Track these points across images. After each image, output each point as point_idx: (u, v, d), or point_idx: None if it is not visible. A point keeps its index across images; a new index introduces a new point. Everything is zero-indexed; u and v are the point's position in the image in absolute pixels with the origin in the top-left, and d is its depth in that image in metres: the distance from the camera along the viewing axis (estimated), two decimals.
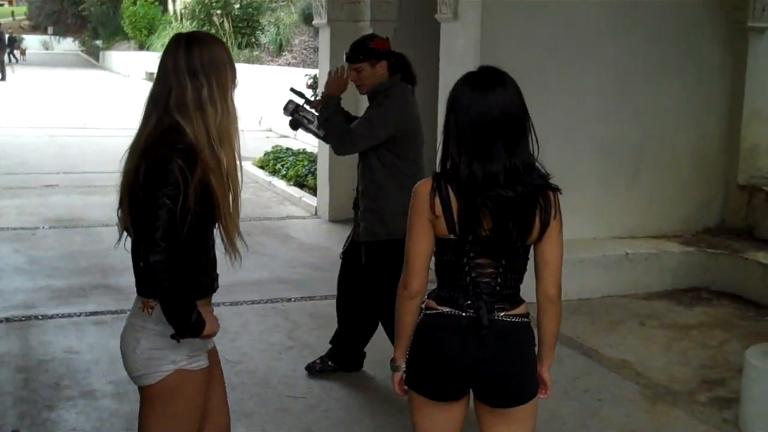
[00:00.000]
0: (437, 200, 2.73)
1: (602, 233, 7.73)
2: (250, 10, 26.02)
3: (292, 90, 5.43)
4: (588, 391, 5.28)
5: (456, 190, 2.72)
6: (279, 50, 23.28)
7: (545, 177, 2.81)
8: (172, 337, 2.78)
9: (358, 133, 4.93)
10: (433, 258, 2.86)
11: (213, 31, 24.25)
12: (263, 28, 25.10)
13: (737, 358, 5.18)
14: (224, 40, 23.96)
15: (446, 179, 2.75)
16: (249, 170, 13.80)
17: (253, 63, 22.77)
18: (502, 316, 2.79)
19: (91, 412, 4.84)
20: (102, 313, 6.44)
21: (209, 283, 2.97)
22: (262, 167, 12.68)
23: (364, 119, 4.96)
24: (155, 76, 2.90)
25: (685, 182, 8.17)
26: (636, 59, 7.78)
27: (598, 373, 5.58)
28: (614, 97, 7.74)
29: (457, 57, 7.55)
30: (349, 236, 5.27)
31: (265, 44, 24.47)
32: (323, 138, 5.17)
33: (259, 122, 19.26)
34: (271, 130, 18.80)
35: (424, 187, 2.78)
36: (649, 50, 7.83)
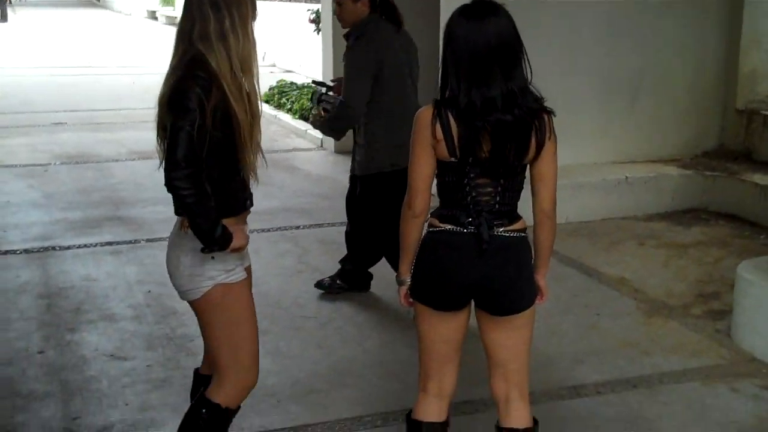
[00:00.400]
0: (438, 126, 2.89)
1: (602, 158, 7.90)
2: None
3: (314, 82, 5.84)
4: (587, 306, 5.50)
5: (456, 115, 2.88)
6: None
7: (540, 100, 2.97)
8: (201, 250, 2.96)
9: (348, 96, 5.06)
10: (435, 179, 3.04)
11: None
12: None
13: (732, 273, 5.38)
14: None
15: (446, 106, 2.90)
16: None
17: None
18: (501, 232, 2.97)
19: (113, 333, 5.07)
20: (117, 243, 6.63)
21: (240, 202, 3.12)
22: (267, 101, 12.79)
23: (345, 79, 5.10)
24: (182, 10, 3.04)
25: (684, 107, 8.31)
26: None
27: (598, 290, 5.80)
28: (612, 26, 7.85)
29: None
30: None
31: None
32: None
33: (263, 57, 19.29)
34: (275, 65, 18.86)
35: (425, 113, 2.94)
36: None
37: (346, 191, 5.58)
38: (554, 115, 3.01)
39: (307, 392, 4.38)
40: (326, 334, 5.10)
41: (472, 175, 2.94)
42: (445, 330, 3.11)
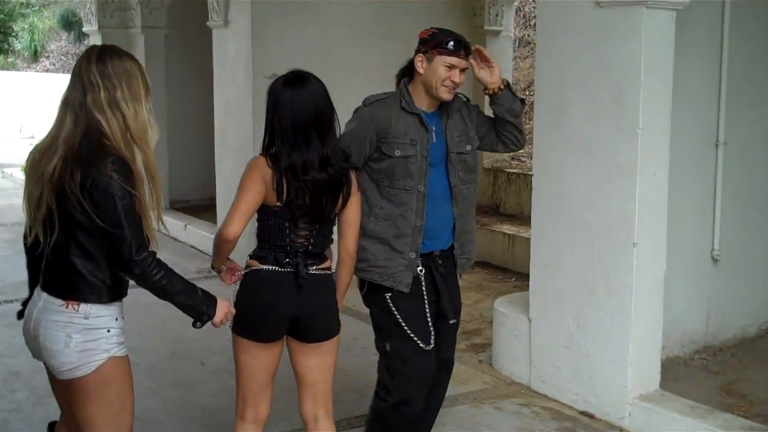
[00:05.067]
0: (270, 174, 3.39)
1: None
2: (1, 16, 25.24)
3: None
4: (366, 348, 6.02)
5: (280, 171, 3.38)
6: (35, 56, 22.80)
7: (348, 158, 3.59)
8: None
9: None
10: (257, 223, 3.51)
11: None
12: (17, 35, 24.44)
13: (489, 312, 6.10)
14: None
15: (273, 161, 3.40)
16: (18, 176, 13.73)
17: (8, 70, 22.18)
18: (313, 270, 3.50)
19: None
20: None
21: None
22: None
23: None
24: (68, 83, 3.09)
25: None
26: (391, 65, 8.61)
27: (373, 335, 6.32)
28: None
29: (229, 61, 8.11)
30: None
31: (19, 50, 23.86)
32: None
33: (20, 130, 18.90)
34: (33, 138, 18.49)
35: (261, 159, 3.42)
36: (401, 53, 8.67)
37: None
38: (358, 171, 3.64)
39: None
40: None
41: (293, 220, 3.44)
42: (266, 359, 3.55)
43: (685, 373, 5.17)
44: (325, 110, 3.45)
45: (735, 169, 5.65)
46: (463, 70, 3.85)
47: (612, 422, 4.81)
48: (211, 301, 3.15)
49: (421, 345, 3.93)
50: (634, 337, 4.73)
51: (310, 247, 3.49)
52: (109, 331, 3.05)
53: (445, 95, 3.84)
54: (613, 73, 4.68)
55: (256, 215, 3.50)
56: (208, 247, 8.73)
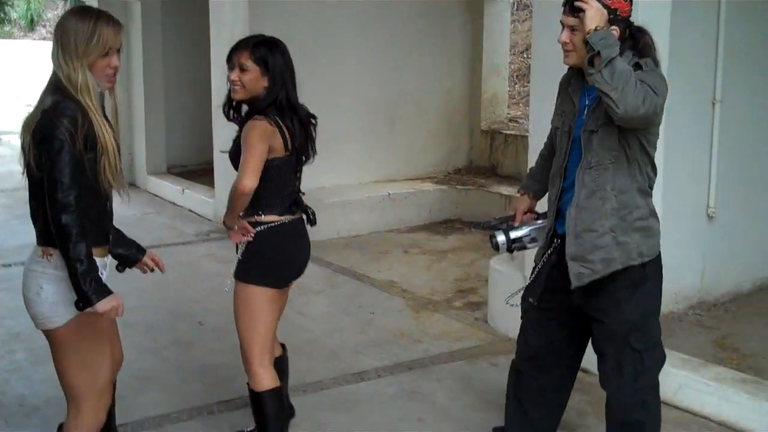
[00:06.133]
0: (273, 129, 3.50)
1: (367, 178, 8.60)
2: None
3: (486, 226, 4.07)
4: (362, 306, 6.08)
5: (284, 121, 3.53)
6: (31, 25, 22.70)
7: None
8: (76, 304, 2.93)
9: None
10: (263, 178, 3.54)
11: None
12: (13, 3, 24.32)
13: (485, 272, 6.12)
14: None
15: (273, 118, 3.51)
16: (16, 143, 13.72)
17: (5, 39, 22.09)
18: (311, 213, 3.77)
19: None
20: None
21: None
22: None
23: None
24: None
25: (436, 130, 9.19)
26: (392, 30, 8.66)
27: (371, 292, 6.40)
28: (373, 61, 8.60)
29: (226, 25, 8.11)
30: None
31: (15, 19, 23.75)
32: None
33: (17, 98, 18.87)
34: (30, 105, 18.44)
35: (263, 120, 3.49)
36: (402, 20, 8.72)
37: None
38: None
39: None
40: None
41: (297, 165, 3.64)
42: (280, 304, 3.78)
43: (679, 328, 5.19)
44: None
45: (731, 127, 5.65)
46: (572, 30, 3.32)
47: None
48: (101, 292, 2.95)
49: None
50: None
51: (300, 190, 3.70)
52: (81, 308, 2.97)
53: (564, 59, 3.43)
54: None
55: None
56: (206, 210, 8.88)
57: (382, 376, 4.91)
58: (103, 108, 3.08)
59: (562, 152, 3.50)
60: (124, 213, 4.84)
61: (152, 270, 3.50)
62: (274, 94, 3.52)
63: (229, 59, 3.58)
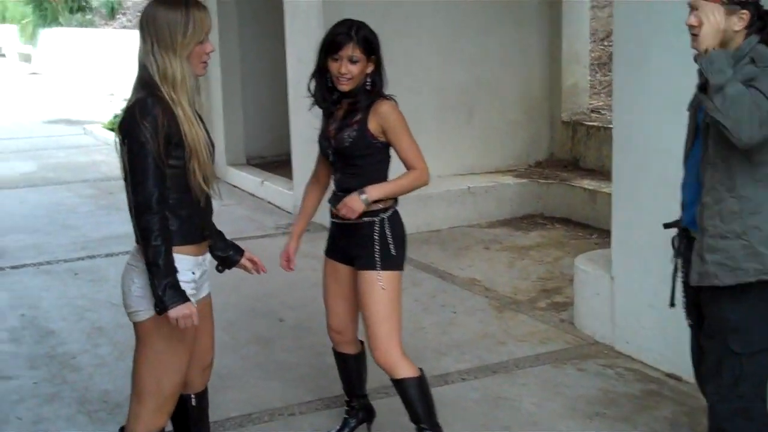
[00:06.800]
0: None
1: (445, 171, 8.44)
2: None
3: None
4: (444, 305, 5.97)
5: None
6: (111, 13, 23.01)
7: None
8: (155, 307, 2.93)
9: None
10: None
11: None
12: None
13: (569, 270, 5.96)
14: (54, 4, 23.66)
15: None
16: (99, 133, 13.92)
17: (86, 27, 22.43)
18: None
19: None
20: None
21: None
22: (112, 129, 12.78)
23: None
24: None
25: (516, 120, 8.99)
26: (467, 16, 8.50)
27: (452, 291, 6.28)
28: (448, 49, 8.45)
29: (301, 13, 8.05)
30: None
31: (96, 7, 24.11)
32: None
33: (112, 95, 19.11)
34: (113, 94, 18.72)
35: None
36: (478, 6, 8.54)
37: None
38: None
39: None
40: None
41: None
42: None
43: None
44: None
45: None
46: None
47: None
48: (175, 298, 2.92)
49: None
50: None
51: None
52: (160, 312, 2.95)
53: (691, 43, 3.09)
54: None
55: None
56: (285, 202, 8.84)
57: (466, 380, 4.80)
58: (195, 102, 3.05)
59: None
60: None
61: (252, 272, 3.51)
62: (384, 76, 3.60)
63: (334, 51, 3.50)
